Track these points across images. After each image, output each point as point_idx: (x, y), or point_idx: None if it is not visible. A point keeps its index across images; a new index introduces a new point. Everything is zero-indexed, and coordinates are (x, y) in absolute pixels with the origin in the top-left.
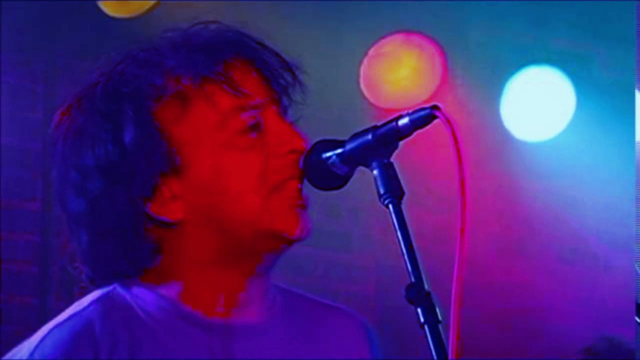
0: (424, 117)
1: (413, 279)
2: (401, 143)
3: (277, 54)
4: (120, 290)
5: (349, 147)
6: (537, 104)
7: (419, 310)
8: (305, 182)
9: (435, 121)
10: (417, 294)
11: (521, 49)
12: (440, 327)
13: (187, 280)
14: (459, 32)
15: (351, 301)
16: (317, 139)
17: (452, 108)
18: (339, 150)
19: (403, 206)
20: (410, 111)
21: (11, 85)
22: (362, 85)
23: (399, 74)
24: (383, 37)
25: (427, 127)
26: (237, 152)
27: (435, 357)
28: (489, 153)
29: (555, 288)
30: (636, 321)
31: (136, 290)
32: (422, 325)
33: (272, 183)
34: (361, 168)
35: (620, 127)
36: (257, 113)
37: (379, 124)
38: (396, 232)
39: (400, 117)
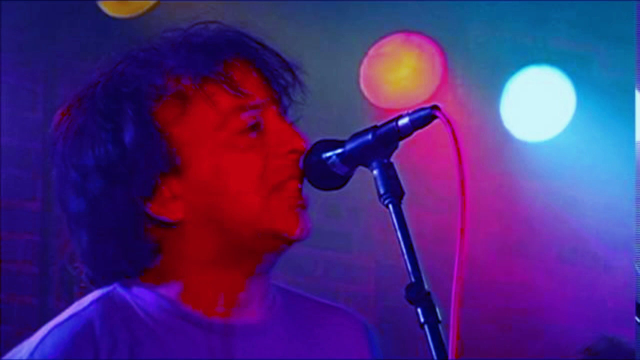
0: (424, 117)
1: (413, 279)
2: (401, 143)
3: (277, 54)
4: (120, 290)
5: (349, 147)
6: (537, 104)
7: (419, 310)
8: (305, 182)
9: (435, 121)
10: (417, 294)
11: (521, 49)
12: (440, 327)
13: (187, 280)
14: (459, 32)
15: (351, 301)
16: (317, 139)
17: (452, 108)
18: (339, 150)
19: (403, 206)
20: (410, 111)
21: (11, 85)
22: (362, 85)
23: (399, 74)
24: (383, 37)
25: (427, 127)
26: (237, 152)
27: (435, 357)
28: (489, 153)
29: (555, 288)
30: (636, 321)
31: (136, 290)
32: (422, 325)
33: (272, 183)
34: (361, 168)
35: (620, 127)
36: (257, 113)
37: (379, 124)
38: (396, 232)
39: (400, 117)
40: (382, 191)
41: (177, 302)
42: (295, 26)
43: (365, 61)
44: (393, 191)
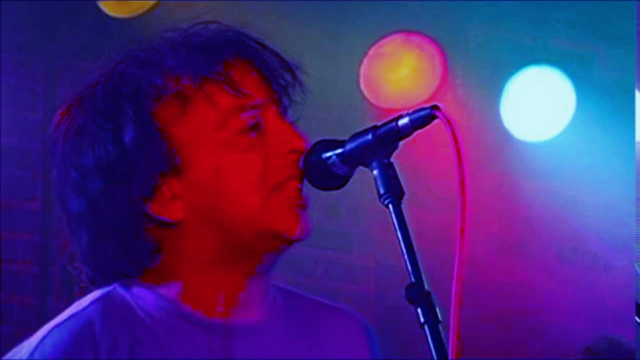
0: (424, 117)
1: (413, 279)
2: (401, 143)
3: (277, 54)
4: (120, 290)
5: (349, 147)
6: (537, 104)
7: (419, 310)
8: (305, 182)
9: (435, 121)
10: (417, 294)
11: (521, 49)
12: (440, 327)
13: (187, 280)
14: (459, 32)
15: (351, 301)
16: (317, 139)
17: (452, 108)
18: (339, 150)
19: (403, 206)
20: (410, 111)
21: (11, 85)
22: (362, 85)
23: (399, 74)
24: (383, 37)
25: (427, 127)
26: (237, 152)
27: (435, 357)
28: (489, 153)
29: (555, 288)
30: (636, 321)
31: (136, 290)
32: (422, 325)
33: (272, 183)
34: (361, 168)
35: (620, 127)
36: (257, 113)
37: (379, 124)
38: (396, 232)
39: (400, 117)
40: (382, 191)
41: (177, 302)
42: (295, 26)
43: (365, 61)
44: (393, 191)
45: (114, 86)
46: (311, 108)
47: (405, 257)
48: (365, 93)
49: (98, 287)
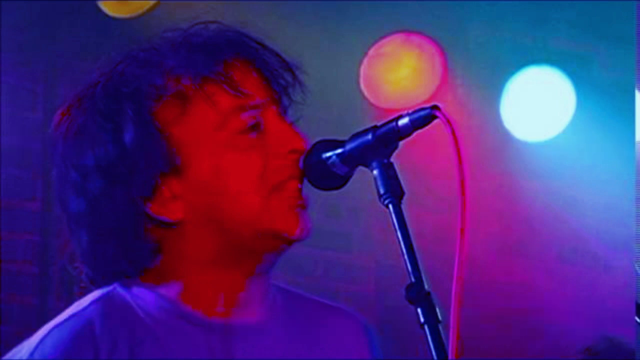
0: (424, 117)
1: (413, 279)
2: (401, 143)
3: (277, 54)
4: (120, 290)
5: (349, 147)
6: (537, 104)
7: (419, 310)
8: (305, 182)
9: (435, 121)
10: (417, 294)
11: (521, 49)
12: (440, 327)
13: (187, 280)
14: (459, 32)
15: (351, 301)
16: (317, 139)
17: (452, 108)
18: (339, 150)
19: (403, 206)
20: (410, 111)
21: (11, 85)
22: (362, 85)
23: (399, 74)
24: (383, 37)
25: (427, 127)
26: (237, 152)
27: (435, 357)
28: (489, 153)
29: (555, 288)
30: (636, 321)
31: (136, 290)
32: (422, 325)
33: (272, 183)
34: (361, 168)
35: (620, 127)
36: (257, 113)
37: (379, 124)
38: (396, 232)
39: (400, 117)
40: (382, 191)
41: (177, 302)
42: (295, 26)
43: (365, 61)
44: (393, 191)
45: (114, 86)
46: (311, 108)
47: (405, 257)
48: (365, 93)
49: (98, 287)
